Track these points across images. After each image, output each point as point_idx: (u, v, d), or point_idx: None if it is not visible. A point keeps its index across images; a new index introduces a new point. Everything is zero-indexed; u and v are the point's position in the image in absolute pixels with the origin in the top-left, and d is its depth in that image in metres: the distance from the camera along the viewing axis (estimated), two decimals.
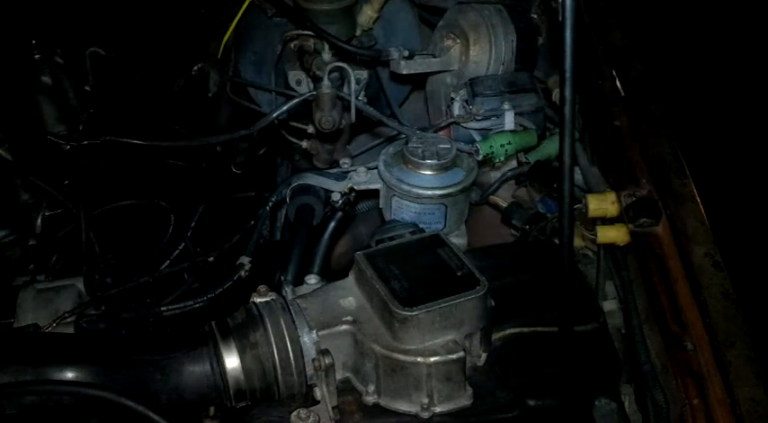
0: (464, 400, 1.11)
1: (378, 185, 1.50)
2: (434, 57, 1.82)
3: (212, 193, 1.95)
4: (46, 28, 1.89)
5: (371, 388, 1.12)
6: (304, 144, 1.90)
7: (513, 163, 1.63)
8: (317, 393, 1.11)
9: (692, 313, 1.13)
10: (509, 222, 1.54)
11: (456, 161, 1.46)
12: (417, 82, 2.00)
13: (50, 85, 1.85)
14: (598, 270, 1.42)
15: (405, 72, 1.80)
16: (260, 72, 2.03)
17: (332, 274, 1.32)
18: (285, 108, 1.67)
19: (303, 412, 1.07)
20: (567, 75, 0.88)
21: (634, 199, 1.27)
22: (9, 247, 1.67)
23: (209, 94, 1.98)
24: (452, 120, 1.68)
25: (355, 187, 1.52)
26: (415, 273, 1.14)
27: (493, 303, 1.15)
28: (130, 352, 1.12)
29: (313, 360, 1.09)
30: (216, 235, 1.79)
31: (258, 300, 1.17)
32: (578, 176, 1.47)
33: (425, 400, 1.09)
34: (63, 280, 1.52)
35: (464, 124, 1.67)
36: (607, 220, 1.33)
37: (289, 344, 1.10)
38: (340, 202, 1.54)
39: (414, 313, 1.07)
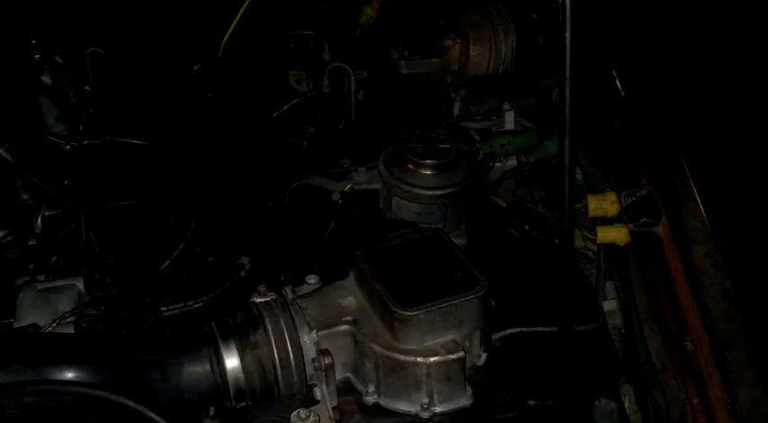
0: (464, 400, 1.11)
1: (378, 185, 1.50)
2: (434, 57, 1.82)
3: (212, 193, 1.95)
4: (46, 28, 1.89)
5: (371, 388, 1.12)
6: (304, 144, 1.90)
7: (513, 163, 1.63)
8: (317, 393, 1.11)
9: (691, 313, 1.13)
10: (509, 222, 1.54)
11: (456, 161, 1.46)
12: (417, 82, 2.00)
13: (50, 85, 1.85)
14: (598, 270, 1.42)
15: (405, 72, 1.80)
16: (260, 72, 2.03)
17: (332, 274, 1.32)
18: (285, 108, 1.67)
19: (303, 412, 1.07)
20: (567, 75, 0.88)
21: (634, 199, 1.27)
22: (9, 247, 1.67)
23: (209, 94, 1.98)
24: (452, 120, 1.68)
25: (355, 187, 1.52)
26: (415, 273, 1.14)
27: (493, 303, 1.15)
28: (130, 352, 1.12)
29: (313, 360, 1.09)
30: (216, 235, 1.78)
31: (258, 300, 1.17)
32: (578, 176, 1.47)
33: (425, 400, 1.09)
34: (63, 280, 1.51)
35: (464, 124, 1.67)
36: (607, 220, 1.33)
37: (289, 344, 1.10)
38: (340, 202, 1.54)
39: (414, 313, 1.07)
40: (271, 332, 1.11)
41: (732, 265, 1.14)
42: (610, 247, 1.35)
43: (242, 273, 1.52)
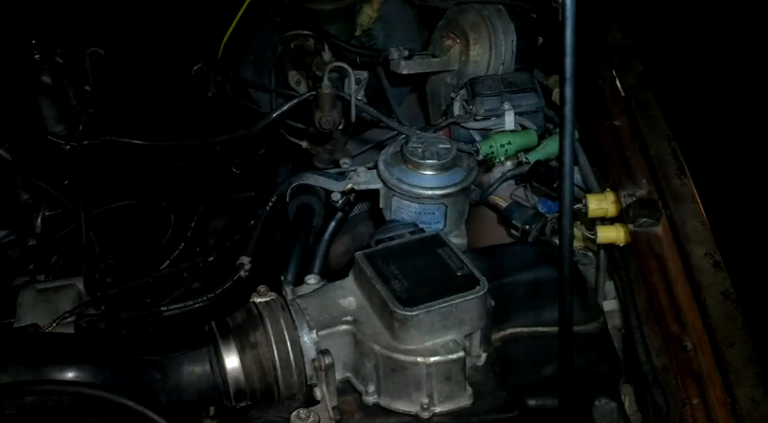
0: (464, 400, 1.11)
1: (378, 185, 1.50)
2: (434, 57, 1.82)
3: (212, 193, 1.95)
4: (46, 28, 1.89)
5: (371, 388, 1.12)
6: (304, 144, 1.90)
7: (514, 163, 1.63)
8: (317, 393, 1.11)
9: (691, 313, 1.12)
10: (509, 222, 1.54)
11: (456, 161, 1.46)
12: (417, 82, 2.00)
13: (50, 85, 1.85)
14: (598, 270, 1.42)
15: (405, 72, 1.80)
16: (260, 72, 2.03)
17: (332, 274, 1.32)
18: (285, 108, 1.67)
19: (303, 412, 1.07)
20: (567, 75, 0.87)
21: (634, 199, 1.27)
22: (9, 247, 1.67)
23: (209, 94, 1.98)
24: (452, 120, 1.68)
25: (355, 187, 1.52)
26: (415, 273, 1.14)
27: (493, 303, 1.15)
28: (130, 352, 1.12)
29: (313, 360, 1.09)
30: (216, 235, 1.79)
31: (258, 300, 1.17)
32: (578, 176, 1.47)
33: (425, 400, 1.09)
34: (63, 280, 1.52)
35: (464, 124, 1.67)
36: (607, 220, 1.33)
37: (289, 344, 1.10)
38: (340, 202, 1.54)
39: (414, 313, 1.07)
40: (271, 332, 1.11)
41: (732, 265, 1.14)
42: (610, 247, 1.35)
43: (242, 273, 1.52)
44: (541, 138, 1.64)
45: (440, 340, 1.09)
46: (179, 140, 1.88)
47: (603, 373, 1.19)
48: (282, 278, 1.45)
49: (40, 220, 1.73)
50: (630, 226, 1.26)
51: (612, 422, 1.14)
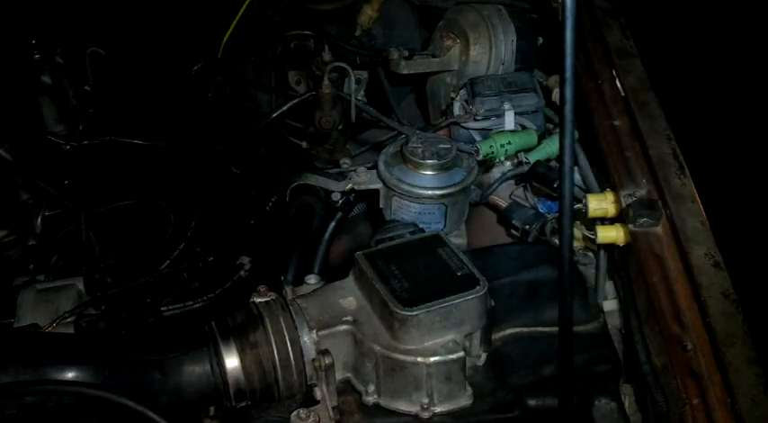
0: (464, 400, 1.11)
1: (378, 185, 1.50)
2: (434, 57, 1.82)
3: (212, 193, 1.95)
4: (46, 28, 1.90)
5: (371, 388, 1.12)
6: (304, 144, 1.90)
7: (514, 163, 1.63)
8: (317, 393, 1.11)
9: (691, 313, 1.12)
10: (509, 222, 1.54)
11: (456, 161, 1.46)
12: (417, 82, 2.00)
13: (50, 85, 1.85)
14: (598, 270, 1.42)
15: (405, 72, 1.80)
16: (260, 72, 2.04)
17: (332, 274, 1.32)
18: (285, 108, 1.67)
19: (303, 412, 1.07)
20: (567, 75, 0.87)
21: (634, 199, 1.27)
22: (9, 247, 1.67)
23: (209, 94, 1.99)
24: (452, 120, 1.68)
25: (355, 187, 1.52)
26: (415, 273, 1.14)
27: (493, 303, 1.15)
28: (130, 352, 1.12)
29: (313, 360, 1.09)
30: (216, 235, 1.79)
31: (258, 300, 1.17)
32: (578, 176, 1.47)
33: (425, 400, 1.09)
34: (63, 280, 1.52)
35: (464, 124, 1.67)
36: (607, 220, 1.33)
37: (289, 344, 1.10)
38: (340, 202, 1.54)
39: (414, 313, 1.07)
40: (271, 332, 1.11)
41: (732, 265, 1.14)
42: (610, 247, 1.35)
43: (242, 273, 1.53)
44: (541, 138, 1.64)
45: (440, 340, 1.09)
46: (179, 140, 1.88)
47: (603, 373, 1.19)
48: (282, 278, 1.45)
49: (39, 220, 1.73)
50: (630, 226, 1.26)
51: (612, 422, 1.14)
